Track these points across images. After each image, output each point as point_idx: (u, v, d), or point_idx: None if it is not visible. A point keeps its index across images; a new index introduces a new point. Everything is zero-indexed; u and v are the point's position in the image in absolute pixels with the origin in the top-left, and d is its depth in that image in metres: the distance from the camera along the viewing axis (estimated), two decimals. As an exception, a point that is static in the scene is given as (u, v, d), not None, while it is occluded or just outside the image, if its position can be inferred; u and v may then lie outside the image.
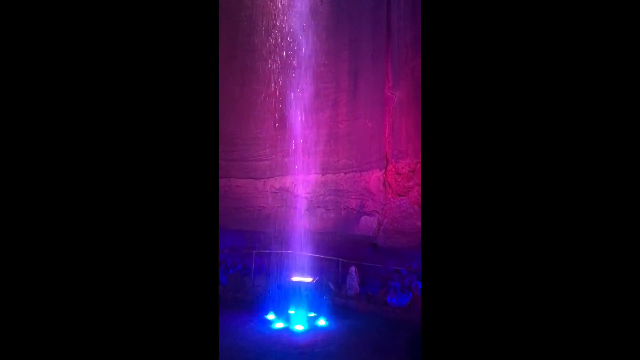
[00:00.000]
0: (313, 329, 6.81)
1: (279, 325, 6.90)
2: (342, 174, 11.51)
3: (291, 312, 7.42)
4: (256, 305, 7.68)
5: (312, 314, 7.43)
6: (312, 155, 11.59)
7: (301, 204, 11.75)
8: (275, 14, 11.60)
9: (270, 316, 7.31)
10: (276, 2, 11.57)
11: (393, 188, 10.54)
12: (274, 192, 12.25)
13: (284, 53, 11.64)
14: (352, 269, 9.20)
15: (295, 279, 8.24)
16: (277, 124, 11.87)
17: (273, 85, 11.87)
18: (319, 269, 9.49)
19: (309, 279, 8.17)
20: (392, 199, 10.52)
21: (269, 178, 12.31)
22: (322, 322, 7.16)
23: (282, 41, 11.68)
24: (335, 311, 7.64)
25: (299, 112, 11.46)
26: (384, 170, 10.80)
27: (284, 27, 11.62)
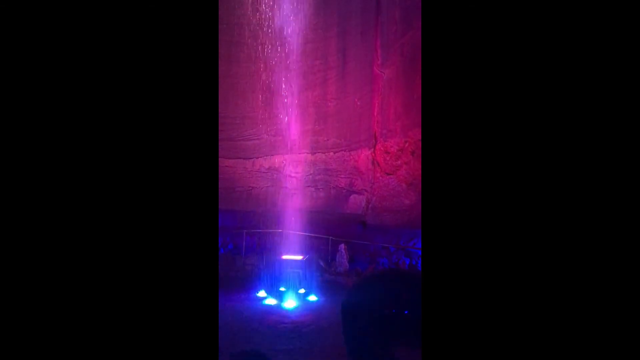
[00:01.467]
0: (304, 305, 6.98)
1: (270, 302, 7.05)
2: (332, 153, 11.53)
3: (282, 289, 7.58)
4: (247, 283, 7.81)
5: (302, 291, 7.60)
6: (301, 134, 11.54)
7: (291, 184, 11.78)
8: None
9: (262, 293, 7.45)
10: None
11: (382, 167, 10.61)
12: (264, 172, 12.24)
13: (271, 30, 11.36)
14: (342, 246, 9.37)
15: (285, 257, 8.37)
16: (265, 103, 11.73)
17: (260, 62, 11.64)
18: (309, 247, 9.64)
19: (299, 257, 8.31)
20: (380, 178, 10.61)
21: (258, 158, 12.26)
22: (312, 298, 7.34)
23: (269, 18, 11.38)
24: (326, 287, 7.82)
25: (287, 91, 11.32)
26: (372, 149, 10.84)
27: (271, 3, 11.29)
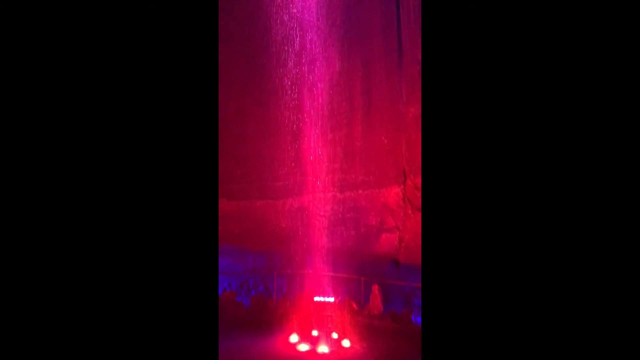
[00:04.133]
0: (338, 350, 6.69)
1: (302, 347, 6.82)
2: (361, 191, 11.50)
3: (314, 333, 7.33)
4: (279, 327, 7.63)
5: (336, 336, 7.31)
6: (330, 173, 11.65)
7: (321, 223, 11.74)
8: (288, 36, 11.96)
9: (294, 338, 7.23)
10: (290, 27, 11.97)
11: (413, 203, 10.42)
12: (293, 212, 12.31)
13: (299, 76, 11.93)
14: (375, 287, 9.06)
15: (317, 299, 8.17)
16: (293, 145, 12.05)
17: (289, 107, 12.12)
18: (341, 289, 9.38)
19: (331, 299, 8.08)
20: (412, 215, 10.39)
21: (287, 198, 12.40)
22: (346, 343, 7.03)
23: (297, 65, 12.00)
24: (360, 331, 7.50)
25: (314, 132, 11.62)
26: (402, 186, 10.73)
27: (298, 48, 11.94)
